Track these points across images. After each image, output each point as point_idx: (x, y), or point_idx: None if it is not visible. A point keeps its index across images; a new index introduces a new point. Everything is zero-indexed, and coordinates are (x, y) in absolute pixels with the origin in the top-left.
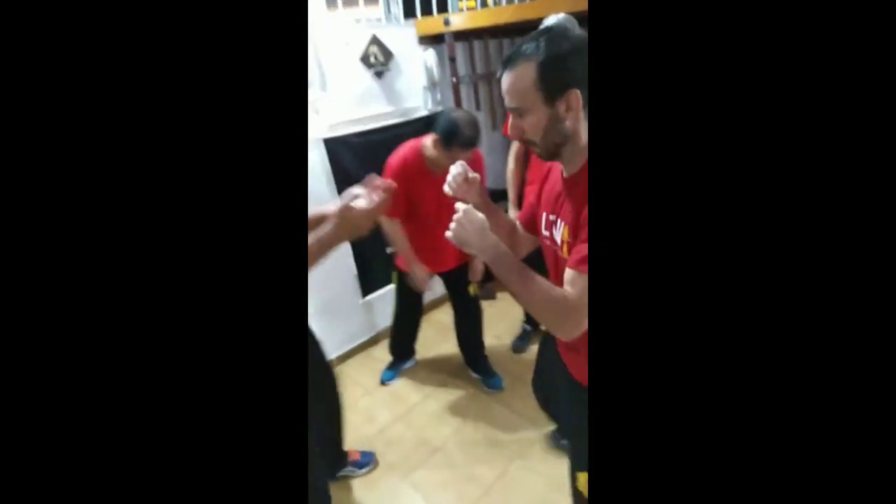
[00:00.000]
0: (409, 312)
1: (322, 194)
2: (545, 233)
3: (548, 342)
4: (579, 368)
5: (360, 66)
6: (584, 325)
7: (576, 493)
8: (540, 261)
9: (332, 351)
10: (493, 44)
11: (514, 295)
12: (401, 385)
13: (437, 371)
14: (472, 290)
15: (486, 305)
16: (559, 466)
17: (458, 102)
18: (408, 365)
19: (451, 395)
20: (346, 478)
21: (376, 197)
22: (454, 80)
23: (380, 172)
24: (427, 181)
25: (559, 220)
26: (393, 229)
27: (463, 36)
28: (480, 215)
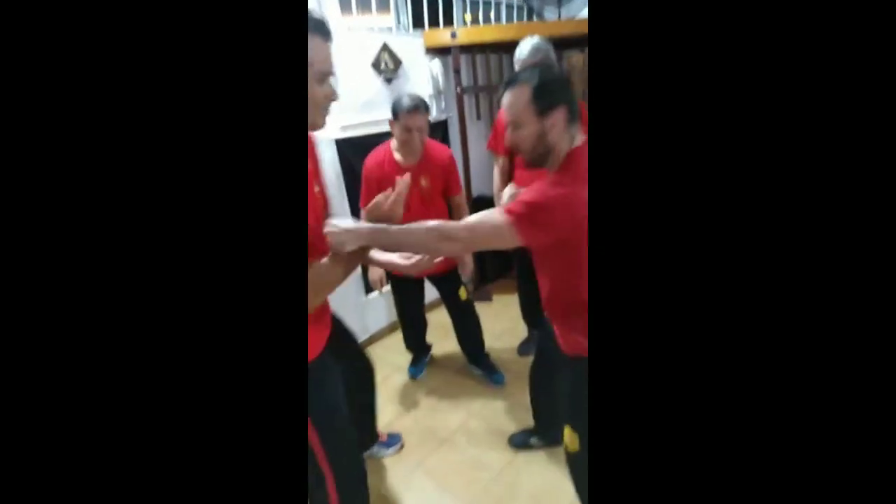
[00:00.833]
0: (409, 309)
1: (332, 192)
2: None
3: (545, 333)
4: (566, 340)
5: (371, 72)
6: (467, 242)
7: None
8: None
9: None
10: (493, 58)
11: (407, 247)
12: (403, 379)
13: (440, 368)
14: (462, 294)
15: (483, 307)
16: (562, 455)
17: (461, 111)
18: (426, 358)
19: (455, 390)
20: (372, 458)
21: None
22: (458, 90)
23: None
24: (397, 173)
25: None
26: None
27: (467, 49)
28: (338, 223)
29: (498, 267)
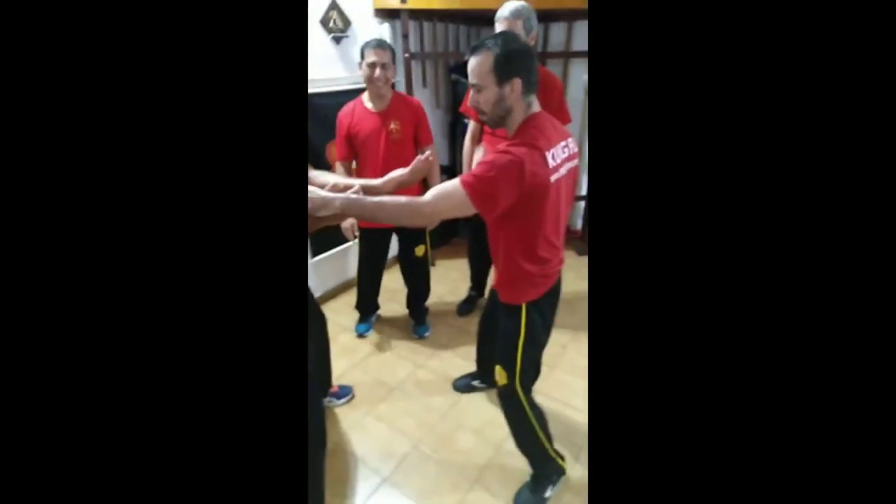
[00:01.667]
0: (371, 268)
1: None
2: None
3: (494, 293)
4: (504, 292)
5: (320, 29)
6: (435, 215)
7: (493, 382)
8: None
9: None
10: (440, 26)
11: (379, 219)
12: (351, 339)
13: (387, 327)
14: (419, 251)
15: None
16: None
17: (408, 77)
18: (374, 318)
19: (403, 346)
20: (326, 408)
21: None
22: (406, 55)
23: (331, 134)
24: (366, 118)
25: None
26: (340, 170)
27: (416, 15)
28: (316, 191)
29: (441, 235)
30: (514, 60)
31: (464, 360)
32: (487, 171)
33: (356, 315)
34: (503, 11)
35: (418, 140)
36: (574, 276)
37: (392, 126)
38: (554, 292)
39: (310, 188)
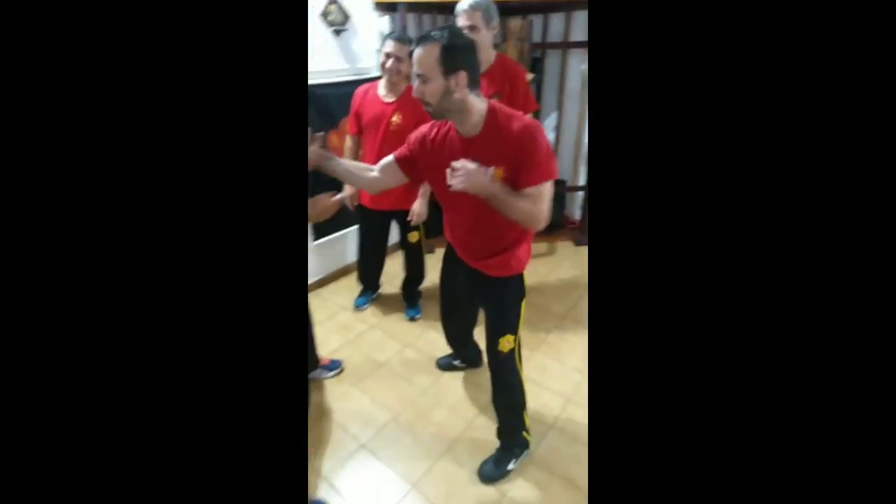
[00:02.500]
0: (367, 246)
1: None
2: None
3: (449, 270)
4: (494, 269)
5: (320, 22)
6: (546, 220)
7: (497, 353)
8: None
9: None
10: (440, 19)
11: (507, 213)
12: (347, 317)
13: (384, 307)
14: (412, 237)
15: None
16: (478, 376)
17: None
18: (374, 295)
19: (395, 326)
20: (315, 380)
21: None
22: None
23: (332, 122)
24: (374, 103)
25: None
26: (348, 144)
27: (415, 7)
28: (472, 164)
29: (441, 223)
30: (460, 53)
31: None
32: (545, 150)
33: (353, 296)
34: (462, 5)
35: None
36: (568, 265)
37: (394, 118)
38: None
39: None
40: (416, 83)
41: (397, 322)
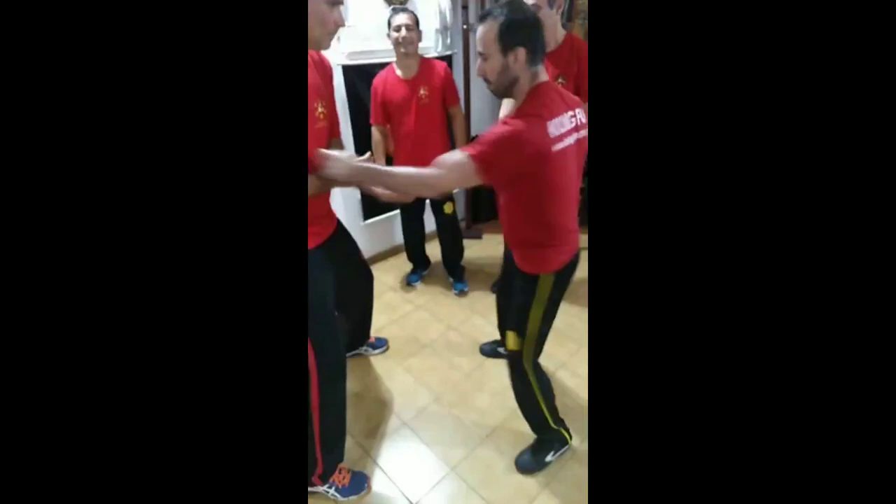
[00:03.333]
0: (409, 219)
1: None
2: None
3: (509, 257)
4: (518, 260)
5: (381, 2)
6: (441, 187)
7: (505, 345)
8: None
9: None
10: None
11: (390, 188)
12: (394, 297)
13: (433, 287)
14: (447, 208)
15: (471, 243)
16: None
17: (466, 48)
18: (425, 271)
19: (442, 307)
20: (361, 356)
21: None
22: (465, 26)
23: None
24: (398, 86)
25: None
26: (376, 137)
27: None
28: (336, 154)
29: (490, 208)
30: (518, 30)
31: (494, 328)
32: (489, 141)
33: (401, 276)
34: None
35: (446, 100)
36: None
37: (421, 92)
38: (567, 270)
39: (334, 153)
40: (478, 62)
41: (443, 304)
